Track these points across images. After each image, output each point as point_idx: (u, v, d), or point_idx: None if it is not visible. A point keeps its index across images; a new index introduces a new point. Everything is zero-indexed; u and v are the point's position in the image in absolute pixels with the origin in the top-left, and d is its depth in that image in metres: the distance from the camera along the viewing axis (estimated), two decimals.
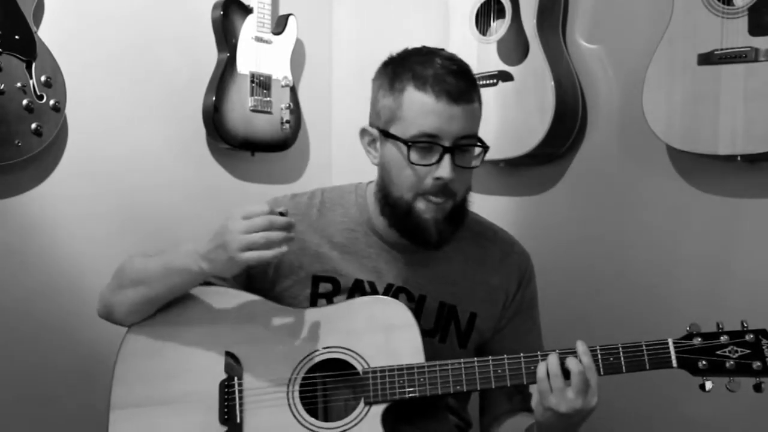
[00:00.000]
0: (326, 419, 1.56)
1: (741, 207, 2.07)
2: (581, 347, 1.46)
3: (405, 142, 1.51)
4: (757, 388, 1.45)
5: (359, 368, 1.55)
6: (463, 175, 1.55)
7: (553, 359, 1.45)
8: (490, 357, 1.52)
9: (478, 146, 1.56)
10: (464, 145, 1.53)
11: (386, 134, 1.55)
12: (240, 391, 1.58)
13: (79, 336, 2.27)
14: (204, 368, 1.59)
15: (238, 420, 1.57)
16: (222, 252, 1.46)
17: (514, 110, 2.29)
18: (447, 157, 1.51)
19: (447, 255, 1.66)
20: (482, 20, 2.39)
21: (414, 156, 1.51)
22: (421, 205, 1.54)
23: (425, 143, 1.51)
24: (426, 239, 1.56)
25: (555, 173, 2.40)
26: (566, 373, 1.44)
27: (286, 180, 2.87)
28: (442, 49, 1.58)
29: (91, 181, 2.40)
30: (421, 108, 1.50)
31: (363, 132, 1.62)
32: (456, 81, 1.50)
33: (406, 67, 1.54)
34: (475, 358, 1.53)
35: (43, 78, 2.20)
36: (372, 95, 1.61)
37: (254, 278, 1.67)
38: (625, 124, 2.26)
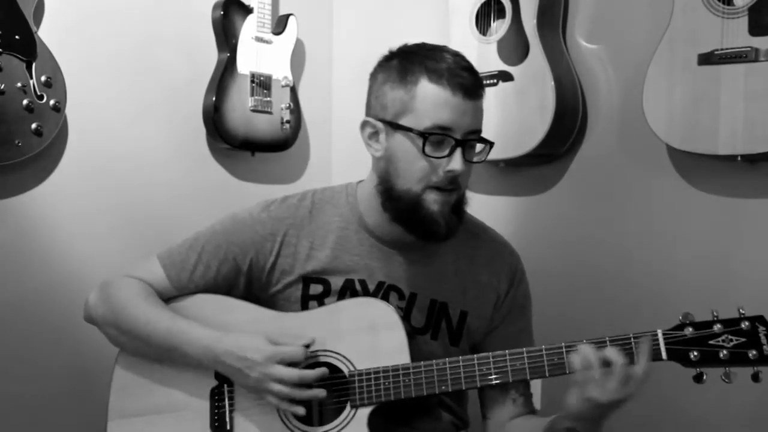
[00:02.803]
0: (318, 423, 1.56)
1: (741, 207, 2.07)
2: (585, 347, 1.43)
3: (420, 133, 1.51)
4: (755, 377, 1.40)
5: (345, 371, 1.55)
6: (469, 169, 1.57)
7: (587, 349, 1.42)
8: (475, 356, 1.52)
9: (485, 141, 1.58)
10: (473, 139, 1.55)
11: (396, 126, 1.55)
12: (230, 398, 1.59)
13: (79, 335, 2.26)
14: (197, 376, 1.60)
15: (228, 426, 1.58)
16: (241, 376, 1.52)
17: (514, 110, 2.29)
18: (459, 151, 1.52)
19: (438, 253, 1.67)
20: (482, 20, 2.39)
21: (428, 148, 1.52)
22: (429, 197, 1.54)
23: (439, 135, 1.51)
24: (435, 231, 1.56)
25: (555, 173, 2.40)
26: (604, 363, 1.41)
27: (286, 180, 2.87)
28: (446, 46, 1.60)
29: (91, 181, 2.40)
30: (436, 100, 1.51)
31: (364, 124, 1.61)
32: (469, 76, 1.53)
33: (416, 61, 1.54)
34: (461, 357, 1.52)
35: (43, 78, 2.20)
36: (373, 88, 1.61)
37: (252, 283, 1.67)
38: (625, 124, 2.26)
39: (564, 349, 1.47)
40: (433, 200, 1.54)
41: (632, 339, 1.45)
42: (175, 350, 1.57)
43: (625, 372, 1.40)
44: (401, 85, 1.54)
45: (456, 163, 1.52)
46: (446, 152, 1.52)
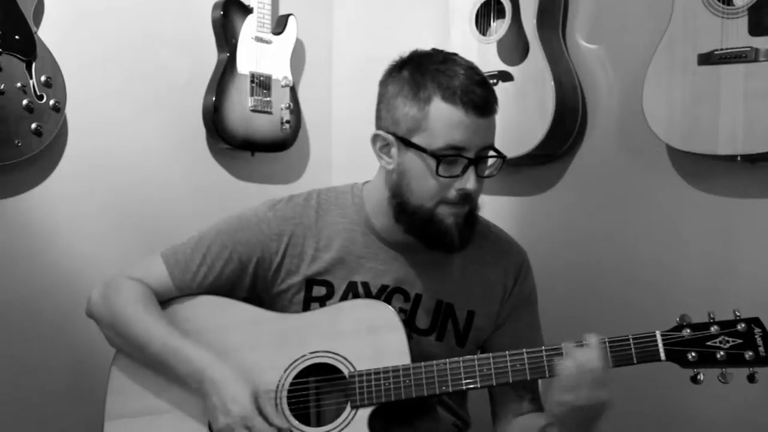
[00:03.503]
0: (318, 424, 1.56)
1: (741, 207, 2.07)
2: (593, 339, 1.45)
3: (433, 154, 1.50)
4: (751, 378, 1.42)
5: (345, 372, 1.55)
6: (482, 184, 1.57)
7: (567, 351, 1.45)
8: (475, 356, 1.52)
9: (498, 155, 1.57)
10: (486, 156, 1.55)
11: (408, 143, 1.54)
12: None
13: (79, 335, 2.26)
14: None
15: None
16: (212, 415, 1.51)
17: (514, 110, 2.29)
18: (472, 170, 1.51)
19: (444, 253, 1.67)
20: (482, 20, 2.39)
21: (441, 169, 1.51)
22: (442, 211, 1.54)
23: (452, 156, 1.51)
24: (449, 244, 1.57)
25: (555, 173, 2.40)
26: (580, 366, 1.42)
27: (286, 180, 2.86)
28: (456, 54, 1.58)
29: (91, 181, 2.40)
30: (449, 121, 1.49)
31: (375, 138, 1.60)
32: (482, 92, 1.51)
33: (429, 76, 1.52)
34: (461, 358, 1.52)
35: (43, 78, 2.20)
36: (384, 99, 1.58)
37: (257, 282, 1.67)
38: (625, 124, 2.26)
39: (552, 351, 1.49)
40: (446, 214, 1.54)
41: (631, 340, 1.46)
42: (167, 366, 1.57)
43: (595, 373, 1.41)
44: (414, 101, 1.52)
45: (469, 182, 1.51)
46: (458, 171, 1.51)
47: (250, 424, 1.47)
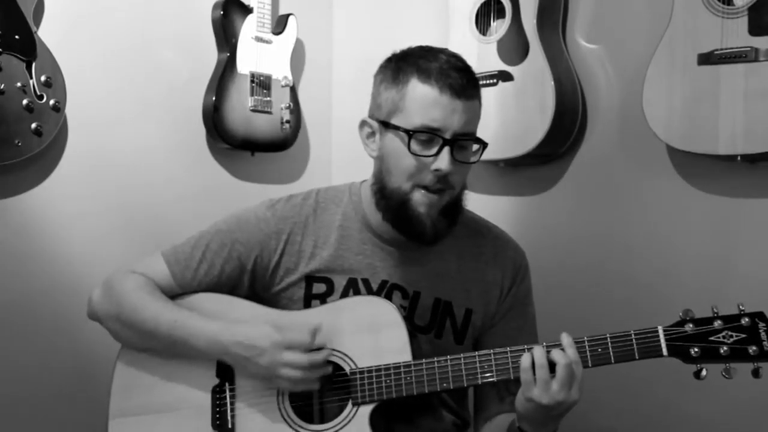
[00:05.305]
0: (320, 421, 1.56)
1: (741, 207, 2.07)
2: (566, 339, 1.46)
3: (407, 131, 1.52)
4: (755, 373, 1.41)
5: (347, 369, 1.56)
6: (461, 170, 1.57)
7: (538, 350, 1.45)
8: (476, 353, 1.52)
9: (477, 142, 1.57)
10: (463, 140, 1.55)
11: (387, 125, 1.56)
12: (232, 396, 1.59)
13: (79, 335, 2.27)
14: (198, 375, 1.60)
15: (230, 425, 1.58)
16: (251, 365, 1.53)
17: (514, 110, 2.29)
18: (446, 150, 1.52)
19: (442, 251, 1.67)
20: (482, 20, 2.39)
21: (415, 146, 1.52)
22: (417, 196, 1.55)
23: (426, 134, 1.52)
24: (420, 232, 1.57)
25: (555, 173, 2.40)
26: (551, 365, 1.43)
27: (286, 180, 2.87)
28: (445, 49, 1.60)
29: (91, 181, 2.40)
30: (424, 99, 1.52)
31: (362, 124, 1.63)
32: (460, 76, 1.53)
33: (410, 62, 1.56)
34: (462, 354, 1.52)
35: (43, 78, 2.20)
36: (373, 89, 1.62)
37: (256, 282, 1.67)
38: (625, 124, 2.26)
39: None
40: (420, 201, 1.55)
41: (633, 336, 1.45)
42: (181, 342, 1.57)
43: (567, 374, 1.42)
44: (393, 84, 1.56)
45: (443, 162, 1.52)
46: (434, 151, 1.52)
47: (287, 345, 1.49)
